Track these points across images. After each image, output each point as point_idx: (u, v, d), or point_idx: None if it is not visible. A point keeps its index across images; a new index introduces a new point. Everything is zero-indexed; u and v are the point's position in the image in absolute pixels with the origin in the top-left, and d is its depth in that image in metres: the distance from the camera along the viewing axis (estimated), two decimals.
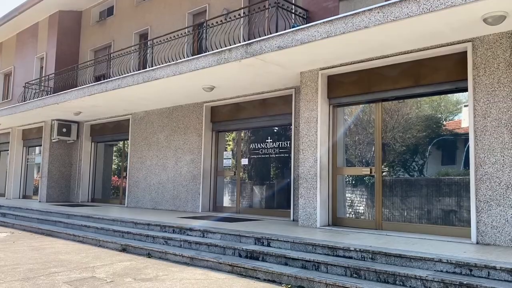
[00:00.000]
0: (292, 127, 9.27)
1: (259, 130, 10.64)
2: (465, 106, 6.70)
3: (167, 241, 7.46)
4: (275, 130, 10.39)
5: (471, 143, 6.10)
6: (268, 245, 6.35)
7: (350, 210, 8.05)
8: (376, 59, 7.23)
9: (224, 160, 11.14)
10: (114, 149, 15.81)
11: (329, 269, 5.27)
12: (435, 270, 4.75)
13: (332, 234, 6.84)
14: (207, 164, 11.12)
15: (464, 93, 6.66)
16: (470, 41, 6.26)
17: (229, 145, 11.48)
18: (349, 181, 8.12)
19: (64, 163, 15.64)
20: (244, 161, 10.65)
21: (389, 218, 7.30)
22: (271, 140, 10.19)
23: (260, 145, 10.35)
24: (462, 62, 6.42)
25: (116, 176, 15.10)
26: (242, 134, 10.93)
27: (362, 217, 7.80)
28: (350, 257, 5.46)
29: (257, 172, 10.70)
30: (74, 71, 13.55)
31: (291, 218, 9.03)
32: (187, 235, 7.59)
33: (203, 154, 11.06)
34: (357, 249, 5.42)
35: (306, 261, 5.52)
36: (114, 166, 15.49)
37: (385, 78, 7.32)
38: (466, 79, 6.33)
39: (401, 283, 4.67)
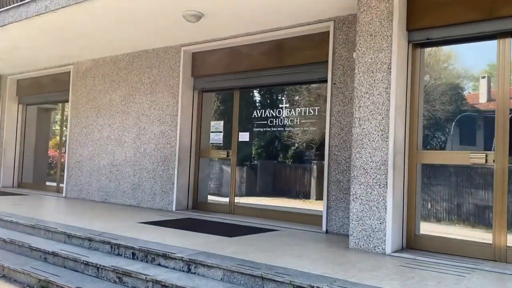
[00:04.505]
0: (328, 83, 6.32)
1: (269, 90, 7.66)
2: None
3: (121, 279, 4.47)
4: (297, 90, 7.41)
5: None
6: None
7: (437, 223, 5.23)
8: None
9: (211, 134, 8.12)
10: (53, 115, 12.47)
11: None
12: None
13: (438, 277, 4.00)
14: (186, 139, 8.08)
15: None
16: None
17: (220, 111, 8.37)
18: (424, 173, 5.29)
19: None
20: (244, 137, 7.68)
21: None
22: (288, 105, 7.24)
23: (270, 112, 7.40)
24: None
25: (57, 150, 11.84)
26: (241, 96, 7.87)
27: (462, 237, 4.98)
28: None
29: (264, 154, 7.80)
30: None
31: (323, 229, 6.21)
32: (159, 265, 4.64)
33: (180, 124, 8.00)
34: None
35: None
36: (59, 139, 12.21)
37: None
38: None
39: None
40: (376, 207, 4.93)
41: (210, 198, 8.28)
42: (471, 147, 5.30)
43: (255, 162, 7.90)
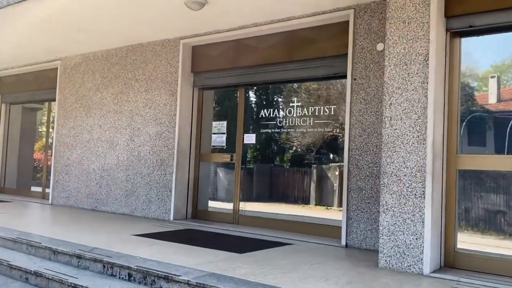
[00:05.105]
0: (348, 79, 5.72)
1: (279, 87, 7.07)
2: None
3: None
4: (310, 86, 6.81)
5: None
6: None
7: (476, 236, 4.64)
8: None
9: (213, 135, 7.49)
10: (40, 115, 11.76)
11: None
12: None
13: None
14: (185, 141, 7.44)
15: None
16: None
17: (222, 111, 7.78)
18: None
19: None
20: (249, 139, 7.07)
21: None
22: (299, 104, 6.62)
23: (278, 112, 6.80)
24: None
25: (43, 153, 11.14)
26: (246, 94, 7.27)
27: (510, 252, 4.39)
28: None
29: (272, 157, 7.20)
30: None
31: (343, 242, 5.59)
32: None
33: (178, 125, 7.36)
34: None
35: None
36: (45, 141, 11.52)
37: None
38: None
39: None
40: (411, 220, 4.32)
41: (211, 205, 7.65)
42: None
43: (262, 167, 7.28)
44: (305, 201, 6.71)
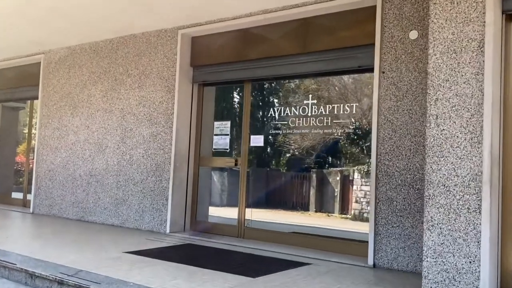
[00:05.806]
0: (375, 72, 5.04)
1: (291, 82, 6.40)
2: None
3: None
4: (327, 82, 6.13)
5: None
6: None
7: None
8: None
9: (215, 137, 6.79)
10: (23, 114, 10.99)
11: None
12: None
13: None
14: (183, 144, 6.74)
15: None
16: None
17: (226, 109, 7.08)
18: None
19: None
20: (256, 140, 6.36)
21: None
22: (314, 101, 5.93)
23: (290, 111, 6.10)
24: None
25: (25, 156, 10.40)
26: (253, 90, 6.58)
27: None
28: None
29: (283, 162, 6.48)
30: None
31: (370, 262, 4.90)
32: None
33: (176, 125, 6.65)
34: None
35: None
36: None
37: None
38: None
39: None
40: (464, 240, 3.63)
41: (212, 215, 6.95)
42: None
43: (271, 172, 6.58)
44: (305, 208, 6.07)
